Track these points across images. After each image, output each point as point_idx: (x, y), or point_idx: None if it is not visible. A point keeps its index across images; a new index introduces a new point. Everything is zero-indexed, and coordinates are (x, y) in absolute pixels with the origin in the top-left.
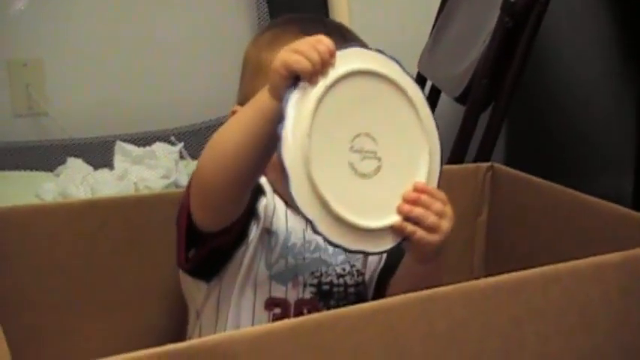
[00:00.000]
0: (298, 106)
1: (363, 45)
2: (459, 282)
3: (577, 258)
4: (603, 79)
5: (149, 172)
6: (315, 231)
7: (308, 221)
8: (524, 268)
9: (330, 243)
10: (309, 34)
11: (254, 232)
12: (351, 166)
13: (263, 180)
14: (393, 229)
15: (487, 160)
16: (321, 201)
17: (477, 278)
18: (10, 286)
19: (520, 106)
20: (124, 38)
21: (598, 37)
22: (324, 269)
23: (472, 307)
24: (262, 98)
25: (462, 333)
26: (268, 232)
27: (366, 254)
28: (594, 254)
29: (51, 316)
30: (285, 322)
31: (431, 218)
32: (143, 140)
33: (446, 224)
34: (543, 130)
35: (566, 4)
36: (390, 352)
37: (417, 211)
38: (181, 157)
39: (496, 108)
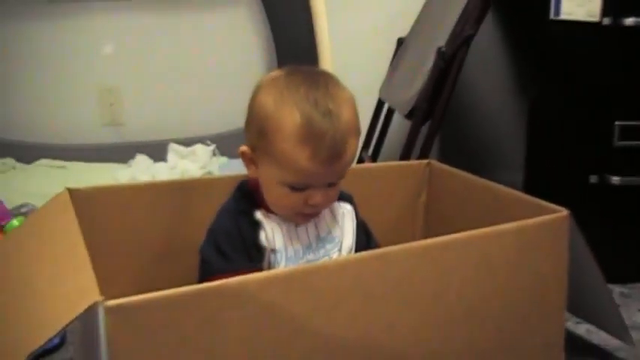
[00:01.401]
0: None
1: None
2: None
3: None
4: (504, 101)
5: (191, 164)
6: None
7: None
8: None
9: None
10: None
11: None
12: None
13: (259, 216)
14: None
15: (426, 158)
16: None
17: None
18: (98, 240)
19: (450, 120)
20: (177, 71)
21: (501, 74)
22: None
23: (413, 260)
24: None
25: (408, 278)
26: (273, 252)
27: None
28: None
29: (125, 261)
30: (283, 269)
31: None
32: (187, 143)
33: None
34: (466, 137)
35: (479, 53)
36: (361, 294)
37: None
38: (214, 154)
39: (432, 123)
